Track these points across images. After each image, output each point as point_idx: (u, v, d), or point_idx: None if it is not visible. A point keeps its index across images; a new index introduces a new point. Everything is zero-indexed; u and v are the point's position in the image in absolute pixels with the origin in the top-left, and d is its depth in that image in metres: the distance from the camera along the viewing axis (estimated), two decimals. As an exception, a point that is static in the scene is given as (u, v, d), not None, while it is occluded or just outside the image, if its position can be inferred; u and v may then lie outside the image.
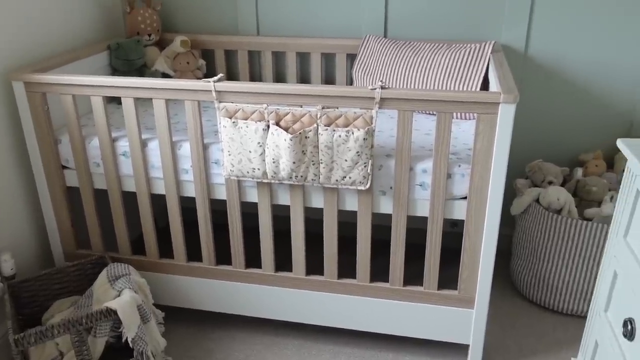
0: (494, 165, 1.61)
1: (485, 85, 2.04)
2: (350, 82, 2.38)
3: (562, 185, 2.25)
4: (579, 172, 2.22)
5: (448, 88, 2.05)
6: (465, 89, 2.03)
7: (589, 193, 2.15)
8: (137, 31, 2.35)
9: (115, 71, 2.31)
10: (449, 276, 1.90)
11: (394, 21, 2.33)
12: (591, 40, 2.19)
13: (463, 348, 1.97)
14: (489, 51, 2.04)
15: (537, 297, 2.23)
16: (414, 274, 1.94)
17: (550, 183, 2.21)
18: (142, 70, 2.34)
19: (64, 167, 1.98)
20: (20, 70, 1.85)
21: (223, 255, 2.00)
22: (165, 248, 2.06)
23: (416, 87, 2.09)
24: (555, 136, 2.35)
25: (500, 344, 2.05)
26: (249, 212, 2.01)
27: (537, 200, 2.17)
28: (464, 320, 1.83)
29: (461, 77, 2.04)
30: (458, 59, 2.06)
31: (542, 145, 2.38)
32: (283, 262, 1.97)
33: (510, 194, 2.47)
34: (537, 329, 2.12)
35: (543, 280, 2.18)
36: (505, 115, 1.55)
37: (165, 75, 2.38)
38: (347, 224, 2.09)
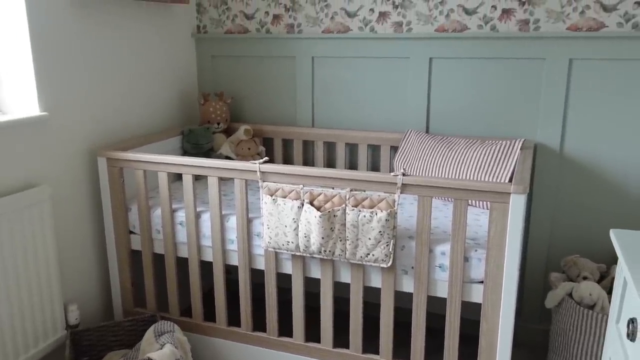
0: (508, 251, 1.71)
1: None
2: (391, 170, 2.58)
3: (599, 282, 2.26)
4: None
5: (477, 179, 2.19)
6: (493, 181, 2.16)
7: (625, 290, 2.14)
8: (208, 120, 2.71)
9: (185, 153, 2.66)
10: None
11: (435, 118, 2.54)
12: (626, 137, 2.27)
13: None
14: (518, 148, 2.18)
15: (571, 395, 2.18)
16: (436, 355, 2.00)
17: (585, 278, 2.23)
18: (208, 154, 2.66)
19: (131, 232, 2.27)
20: (105, 148, 2.21)
21: (261, 324, 2.16)
22: (210, 314, 2.26)
23: (449, 177, 2.25)
24: (593, 233, 2.39)
25: None
26: (287, 288, 2.18)
27: (571, 295, 2.18)
28: (484, 406, 1.85)
29: (491, 171, 2.18)
30: (489, 154, 2.21)
31: (579, 241, 2.41)
32: (314, 334, 2.10)
33: (548, 288, 2.49)
34: None
35: (577, 378, 2.14)
36: (516, 205, 1.67)
37: (228, 159, 2.69)
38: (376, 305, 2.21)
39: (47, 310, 2.02)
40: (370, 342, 2.13)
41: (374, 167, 2.67)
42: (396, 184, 1.79)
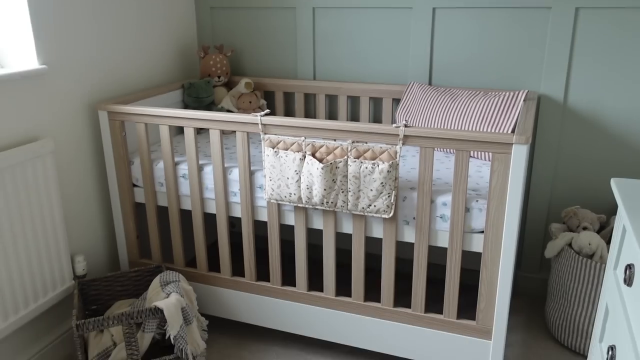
0: (509, 202, 1.72)
1: (516, 130, 2.16)
2: (394, 123, 2.57)
3: (599, 232, 2.28)
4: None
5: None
6: (496, 132, 2.15)
7: (623, 240, 2.17)
8: (209, 73, 2.68)
9: (186, 107, 2.65)
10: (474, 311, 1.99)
11: (438, 69, 2.51)
12: (630, 88, 2.25)
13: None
14: (522, 99, 2.16)
15: (568, 341, 2.24)
16: (438, 307, 2.04)
17: (584, 229, 2.25)
18: (210, 107, 2.65)
19: (134, 185, 2.29)
20: (105, 102, 2.20)
21: (264, 273, 2.20)
22: (214, 264, 2.30)
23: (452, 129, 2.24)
24: (594, 183, 2.40)
25: (524, 383, 2.08)
26: (290, 240, 2.21)
27: (570, 245, 2.21)
28: (482, 350, 1.90)
29: (494, 123, 2.17)
30: (492, 105, 2.20)
31: (580, 192, 2.43)
32: (317, 282, 2.15)
33: (548, 239, 2.52)
34: (564, 373, 2.13)
35: (574, 324, 2.20)
36: (518, 155, 1.67)
37: (229, 112, 2.68)
38: (377, 256, 2.25)
39: (55, 262, 2.06)
40: (372, 292, 2.17)
41: (376, 119, 2.66)
42: (398, 135, 1.79)
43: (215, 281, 2.25)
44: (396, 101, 2.57)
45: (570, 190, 2.45)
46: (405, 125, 1.78)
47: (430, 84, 2.55)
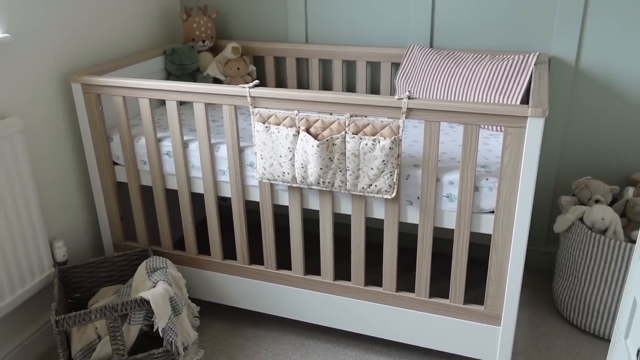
0: (522, 180, 1.58)
1: (528, 98, 1.99)
2: (394, 90, 2.40)
3: (611, 205, 2.15)
4: (629, 192, 2.12)
5: (488, 100, 2.02)
6: (505, 101, 1.99)
7: (639, 214, 2.04)
8: (192, 37, 2.48)
9: (169, 75, 2.45)
10: (480, 290, 1.87)
11: (441, 31, 2.32)
12: (648, 53, 2.08)
13: (491, 365, 1.93)
14: (532, 63, 1.99)
15: (577, 319, 2.14)
16: (442, 286, 1.93)
17: (597, 202, 2.12)
18: (194, 75, 2.46)
19: (115, 164, 2.12)
20: (78, 73, 2.01)
21: (258, 255, 2.07)
22: (205, 245, 2.16)
23: (457, 98, 2.08)
24: (606, 153, 2.25)
25: (533, 365, 1.99)
26: (285, 214, 2.07)
27: (581, 219, 2.08)
28: (491, 336, 1.79)
29: (502, 89, 2.00)
30: (500, 70, 2.02)
31: (591, 162, 2.28)
32: (314, 265, 2.02)
33: (556, 211, 2.39)
34: (573, 353, 2.04)
35: (584, 303, 2.09)
36: (534, 130, 1.52)
37: (216, 80, 2.49)
38: (378, 230, 2.11)
39: (32, 249, 1.91)
40: (372, 272, 2.05)
41: (374, 85, 2.48)
42: (401, 108, 1.62)
43: (205, 265, 2.11)
44: (395, 65, 2.39)
45: (580, 159, 2.30)
46: (409, 97, 1.61)
47: (431, 46, 2.36)
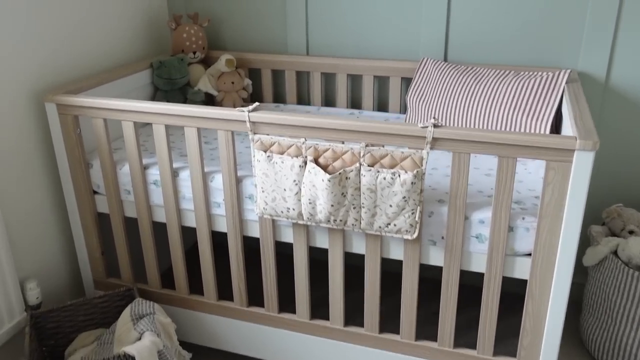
0: (566, 221, 1.37)
1: (556, 122, 1.79)
2: (404, 108, 2.18)
3: (646, 235, 1.96)
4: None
5: (514, 123, 1.81)
6: (534, 125, 1.78)
7: (679, 247, 1.85)
8: (182, 49, 2.25)
9: (157, 90, 2.22)
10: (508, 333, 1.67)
11: (456, 43, 2.11)
12: (688, 69, 1.89)
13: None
14: (564, 81, 1.78)
15: (610, 362, 1.94)
16: (466, 332, 1.72)
17: (630, 232, 1.93)
18: (184, 90, 2.23)
19: (95, 193, 1.89)
20: (53, 91, 1.77)
21: (257, 293, 1.85)
22: (195, 275, 1.93)
23: (477, 119, 1.87)
24: (639, 179, 2.06)
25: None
26: (289, 248, 1.85)
27: (615, 252, 1.89)
28: (523, 392, 1.59)
29: (531, 111, 1.79)
30: (527, 89, 1.82)
31: (623, 189, 2.09)
32: (320, 306, 1.80)
33: (583, 240, 2.19)
34: (609, 402, 1.84)
35: (619, 346, 1.89)
36: (582, 165, 1.31)
37: (208, 96, 2.27)
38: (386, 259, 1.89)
39: (-1, 292, 1.67)
40: (383, 304, 1.83)
41: (381, 102, 2.26)
42: (425, 137, 1.41)
43: (198, 306, 1.89)
44: (405, 80, 2.17)
45: (610, 185, 2.10)
46: (435, 125, 1.40)
47: (445, 60, 2.15)
